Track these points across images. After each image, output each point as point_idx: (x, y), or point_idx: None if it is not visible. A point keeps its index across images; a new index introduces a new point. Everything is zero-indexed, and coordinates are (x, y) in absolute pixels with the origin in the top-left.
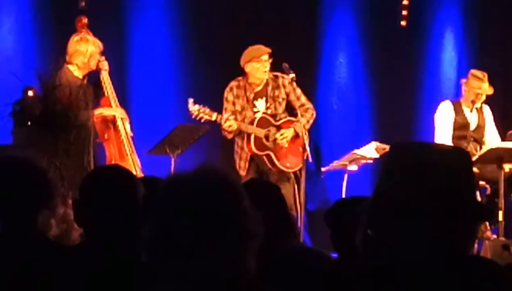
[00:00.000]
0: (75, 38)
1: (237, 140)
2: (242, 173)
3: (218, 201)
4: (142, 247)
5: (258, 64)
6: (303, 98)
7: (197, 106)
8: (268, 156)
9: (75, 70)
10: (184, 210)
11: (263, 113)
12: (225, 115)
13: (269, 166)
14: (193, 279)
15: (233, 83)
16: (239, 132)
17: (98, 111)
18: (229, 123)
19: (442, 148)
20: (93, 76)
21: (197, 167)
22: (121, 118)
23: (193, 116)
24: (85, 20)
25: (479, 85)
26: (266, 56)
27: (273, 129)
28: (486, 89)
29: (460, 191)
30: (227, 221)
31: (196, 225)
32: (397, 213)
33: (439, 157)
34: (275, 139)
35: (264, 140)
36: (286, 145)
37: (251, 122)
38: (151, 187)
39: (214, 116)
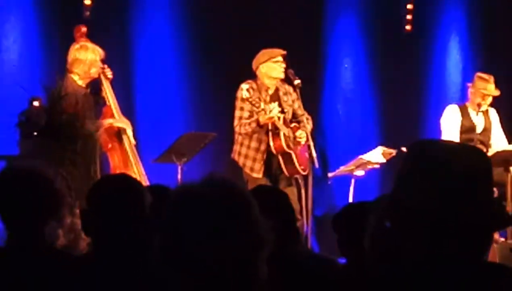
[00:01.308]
0: (75, 46)
1: (248, 143)
2: (257, 175)
3: (227, 210)
4: (153, 257)
5: (274, 64)
6: (302, 108)
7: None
8: (289, 155)
9: (78, 79)
10: (194, 220)
11: (282, 115)
12: (272, 105)
13: (284, 168)
14: (203, 286)
15: (246, 85)
16: (256, 134)
17: (108, 122)
18: (273, 114)
19: (462, 148)
20: (93, 85)
21: (205, 176)
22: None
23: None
24: (84, 29)
25: (485, 86)
26: (281, 58)
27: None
28: (492, 90)
29: (478, 195)
30: (237, 230)
31: (206, 235)
32: (412, 215)
33: (458, 159)
34: (294, 139)
35: (288, 140)
36: (303, 144)
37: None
38: (158, 196)
39: (262, 105)
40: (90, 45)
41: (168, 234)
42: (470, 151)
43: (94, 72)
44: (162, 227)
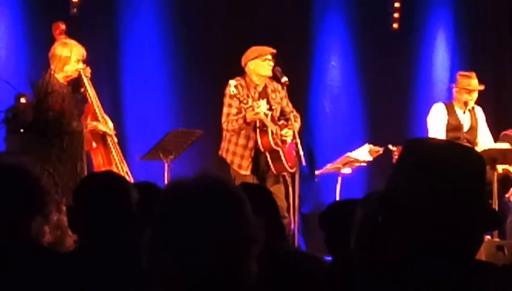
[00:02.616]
0: (55, 44)
1: (236, 141)
2: (245, 172)
3: (219, 208)
4: (142, 252)
5: (263, 62)
6: (290, 105)
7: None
8: (277, 153)
9: (60, 77)
10: (185, 217)
11: (270, 112)
12: (259, 103)
13: (272, 166)
14: (194, 283)
15: (234, 82)
16: (244, 130)
17: (92, 124)
18: (260, 110)
19: (456, 148)
20: (76, 83)
21: (198, 174)
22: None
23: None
24: (62, 26)
25: (469, 82)
26: (270, 56)
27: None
28: (476, 85)
29: (470, 193)
30: (228, 227)
31: (197, 231)
32: (404, 212)
33: (452, 158)
34: (281, 137)
35: (276, 137)
36: (288, 143)
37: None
38: (146, 193)
39: (250, 102)
40: (70, 42)
41: (159, 230)
42: (464, 151)
43: (68, 69)
44: (152, 222)
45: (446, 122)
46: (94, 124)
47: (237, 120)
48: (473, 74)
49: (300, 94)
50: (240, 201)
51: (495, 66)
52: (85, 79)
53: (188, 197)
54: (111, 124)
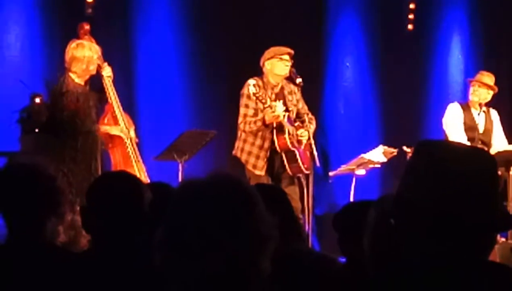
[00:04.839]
0: (71, 45)
1: (252, 141)
2: (260, 172)
3: (231, 206)
4: (155, 248)
5: (279, 61)
6: (305, 107)
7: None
8: (293, 154)
9: (76, 77)
10: (199, 215)
11: (287, 113)
12: (277, 103)
13: (288, 167)
14: (206, 282)
15: (253, 81)
16: (261, 130)
17: (104, 128)
18: (279, 112)
19: (469, 150)
20: (97, 83)
21: (211, 173)
22: (127, 127)
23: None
24: (87, 27)
25: (491, 79)
26: (287, 56)
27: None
28: (494, 86)
29: (483, 196)
30: (241, 225)
31: (210, 231)
32: (417, 214)
33: (465, 160)
34: (297, 137)
35: (292, 138)
36: (304, 143)
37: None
38: (159, 193)
39: (268, 101)
40: (86, 42)
41: (171, 228)
42: (476, 153)
43: (92, 69)
44: (166, 221)
45: (462, 121)
46: (107, 128)
47: (255, 122)
48: (493, 77)
49: (315, 95)
50: (253, 199)
51: (509, 68)
52: (106, 80)
53: (201, 194)
54: (132, 125)
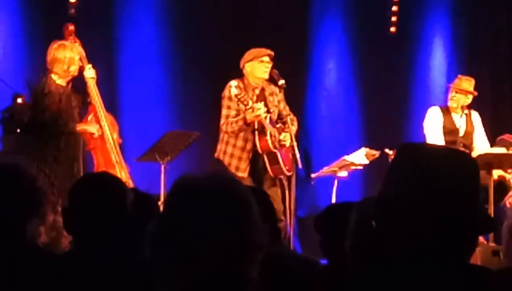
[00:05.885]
0: (53, 46)
1: (234, 142)
2: (242, 174)
3: (226, 209)
4: (147, 243)
5: (259, 63)
6: (287, 108)
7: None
8: (275, 155)
9: (57, 78)
10: (192, 212)
11: (268, 114)
12: (259, 104)
13: (269, 168)
14: (195, 281)
15: (234, 82)
16: (242, 133)
17: (80, 127)
18: (260, 112)
19: (450, 152)
20: (81, 84)
21: (209, 173)
22: (107, 127)
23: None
24: (71, 28)
25: (470, 84)
26: (267, 58)
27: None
28: (473, 90)
29: (464, 198)
30: (233, 229)
31: (202, 229)
32: (399, 216)
33: (446, 162)
34: (279, 141)
35: (274, 139)
36: (287, 146)
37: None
38: (143, 205)
39: (250, 103)
40: (68, 43)
41: (165, 222)
42: (457, 155)
43: (73, 70)
44: (159, 219)
45: (441, 125)
46: (84, 127)
47: (236, 121)
48: (473, 81)
49: (297, 97)
50: (248, 205)
51: (492, 71)
52: (89, 81)
53: (197, 192)
54: (116, 126)
